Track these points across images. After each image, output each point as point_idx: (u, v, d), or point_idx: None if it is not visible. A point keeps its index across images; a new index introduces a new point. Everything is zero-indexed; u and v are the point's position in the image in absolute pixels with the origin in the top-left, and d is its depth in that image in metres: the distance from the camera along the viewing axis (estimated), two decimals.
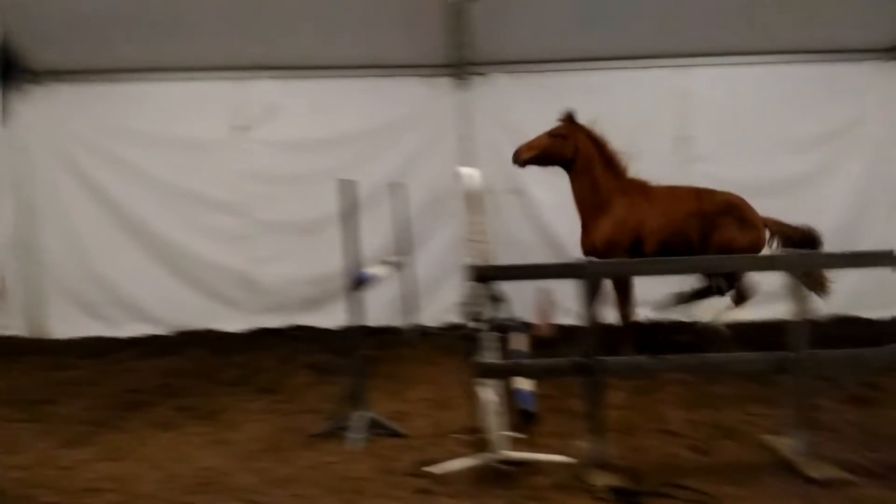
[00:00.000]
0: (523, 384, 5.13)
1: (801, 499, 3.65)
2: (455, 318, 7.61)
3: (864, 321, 7.72)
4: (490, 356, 4.32)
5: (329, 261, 6.38)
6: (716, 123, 7.90)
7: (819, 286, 6.20)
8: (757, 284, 6.51)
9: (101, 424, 5.09)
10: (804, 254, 5.20)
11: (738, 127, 7.92)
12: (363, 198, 5.02)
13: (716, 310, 6.45)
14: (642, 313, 6.81)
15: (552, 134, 6.51)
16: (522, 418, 4.80)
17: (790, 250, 6.29)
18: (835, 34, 7.74)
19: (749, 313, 6.66)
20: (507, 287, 6.51)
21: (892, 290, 7.35)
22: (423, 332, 7.56)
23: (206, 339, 7.73)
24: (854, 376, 5.51)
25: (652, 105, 7.95)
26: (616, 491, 3.72)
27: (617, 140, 6.59)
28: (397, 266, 6.73)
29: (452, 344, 6.79)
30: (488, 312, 4.39)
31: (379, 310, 6.85)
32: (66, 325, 7.97)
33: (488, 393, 4.37)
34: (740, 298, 6.44)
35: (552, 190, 7.14)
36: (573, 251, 6.72)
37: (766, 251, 6.40)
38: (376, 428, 4.71)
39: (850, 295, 7.42)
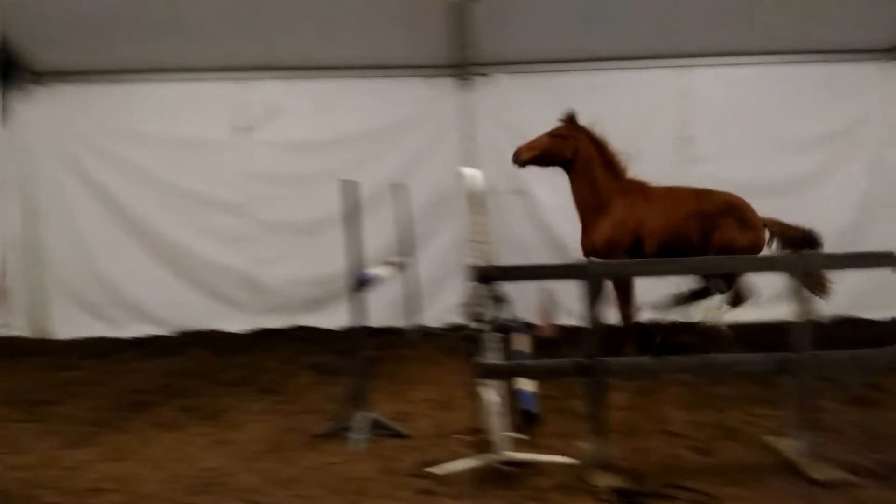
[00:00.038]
0: (525, 385, 5.13)
1: (804, 500, 3.65)
2: (457, 318, 7.59)
3: (866, 322, 7.70)
4: (492, 357, 4.32)
5: (331, 261, 6.41)
6: (717, 124, 7.89)
7: (819, 287, 6.19)
8: (755, 286, 6.49)
9: (104, 425, 5.10)
10: (804, 255, 5.20)
11: (739, 127, 7.92)
12: (365, 198, 5.03)
13: (711, 310, 6.42)
14: (644, 314, 6.80)
15: (552, 134, 6.51)
16: (524, 419, 4.80)
17: (790, 251, 6.32)
18: (836, 34, 7.72)
19: (750, 314, 6.66)
20: (509, 288, 6.48)
21: (894, 290, 7.33)
22: (426, 333, 7.56)
23: (208, 340, 7.73)
24: (857, 377, 5.51)
25: (653, 105, 7.95)
26: (618, 492, 3.72)
27: (618, 140, 6.59)
28: (399, 267, 6.72)
29: (455, 345, 6.78)
30: (490, 313, 4.39)
31: (381, 310, 6.88)
32: (70, 325, 7.99)
33: (490, 394, 4.38)
34: (737, 300, 6.42)
35: (554, 191, 7.13)
36: (575, 252, 6.73)
37: (765, 252, 6.39)
38: (379, 428, 4.71)
39: (852, 296, 7.41)
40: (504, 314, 5.90)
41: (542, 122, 6.60)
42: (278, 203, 8.07)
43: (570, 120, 6.51)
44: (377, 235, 6.35)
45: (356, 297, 4.74)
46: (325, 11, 7.34)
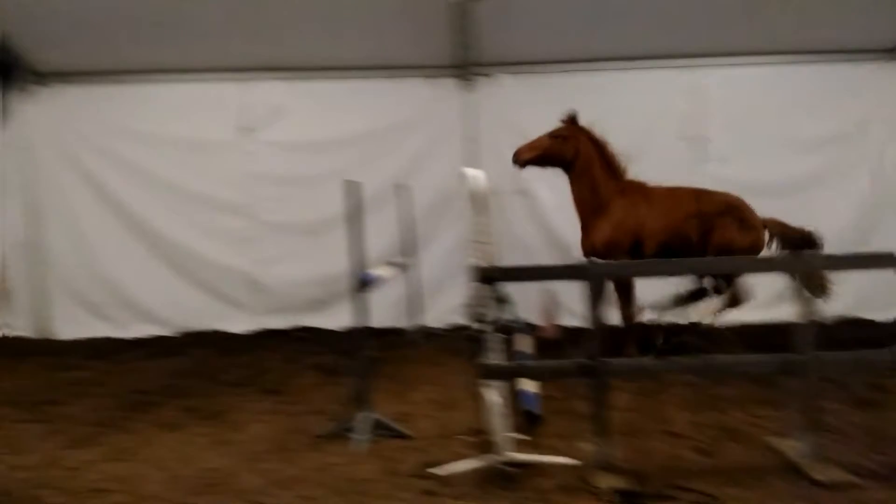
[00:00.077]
0: (528, 386, 5.12)
1: (806, 501, 3.64)
2: (460, 319, 7.61)
3: (868, 323, 7.69)
4: (494, 357, 4.31)
5: (334, 262, 6.42)
6: (723, 124, 7.90)
7: (820, 288, 6.17)
8: (751, 288, 6.46)
9: (107, 425, 5.10)
10: (804, 255, 5.18)
11: (746, 127, 7.91)
12: (368, 199, 5.03)
13: (706, 311, 6.40)
14: (645, 314, 6.79)
15: (553, 135, 6.50)
16: (527, 420, 4.80)
17: (790, 251, 6.30)
18: (839, 34, 7.71)
19: (752, 315, 6.64)
20: (511, 288, 6.50)
21: None
22: (428, 334, 7.56)
23: (211, 340, 7.75)
24: (860, 378, 5.50)
25: (658, 106, 7.93)
26: (620, 493, 3.72)
27: (622, 140, 6.58)
28: (402, 267, 6.73)
29: (457, 345, 6.79)
30: (493, 314, 4.39)
31: (384, 311, 6.88)
32: (72, 325, 8.01)
33: (493, 394, 4.37)
34: (734, 301, 6.40)
35: (557, 191, 7.13)
36: (578, 253, 6.72)
37: (765, 252, 6.38)
38: (381, 429, 4.71)
39: (854, 296, 7.41)
40: (506, 315, 5.89)
41: (545, 122, 6.59)
42: (281, 203, 8.08)
43: (571, 121, 6.50)
44: (380, 236, 6.36)
45: (359, 298, 4.74)
46: (328, 12, 7.34)
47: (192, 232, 8.11)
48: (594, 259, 5.76)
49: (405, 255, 7.07)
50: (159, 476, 4.17)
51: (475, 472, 4.05)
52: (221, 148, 8.08)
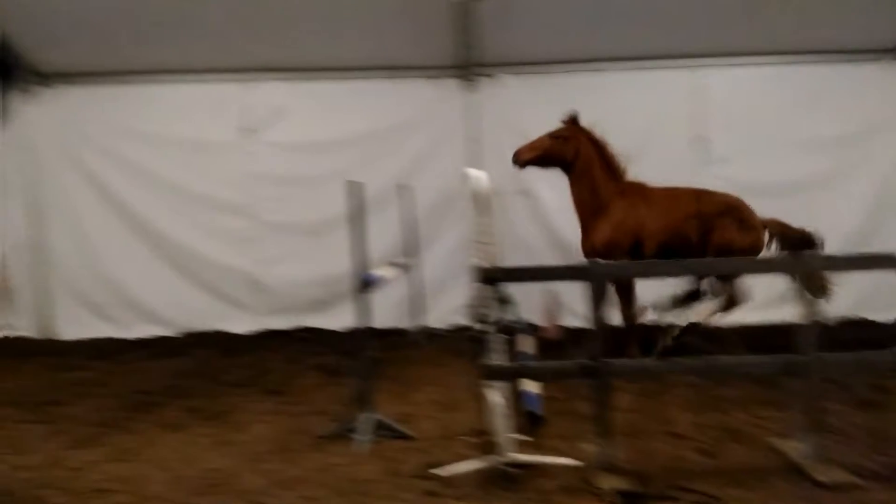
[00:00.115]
0: (530, 386, 5.12)
1: (809, 502, 3.64)
2: (462, 319, 7.62)
3: (870, 324, 7.68)
4: (497, 358, 4.31)
5: (336, 262, 6.42)
6: (724, 124, 7.88)
7: (820, 289, 6.15)
8: (749, 290, 6.45)
9: (110, 425, 5.11)
10: (804, 256, 5.18)
11: (747, 128, 7.89)
12: (370, 199, 5.02)
13: (703, 312, 6.39)
14: (646, 315, 6.79)
15: (553, 136, 6.50)
16: (529, 421, 4.80)
17: (790, 252, 6.29)
18: (848, 34, 7.70)
19: (753, 316, 6.63)
20: (513, 289, 6.52)
21: None
22: (430, 334, 7.57)
23: (213, 341, 7.75)
24: (862, 379, 5.49)
25: (660, 106, 7.92)
26: (623, 494, 3.72)
27: (625, 141, 6.57)
28: (404, 268, 6.74)
29: (459, 346, 6.79)
30: (495, 314, 4.39)
31: (386, 311, 6.88)
32: (75, 326, 8.02)
33: (495, 395, 4.37)
34: (731, 302, 6.38)
35: (559, 192, 7.11)
36: (579, 253, 6.71)
37: (765, 252, 6.37)
38: (383, 430, 4.71)
39: (856, 297, 7.40)
40: (508, 315, 5.92)
41: (547, 123, 6.58)
42: (283, 204, 8.08)
43: (572, 121, 6.50)
44: (382, 236, 6.39)
45: (361, 298, 4.74)
46: (330, 12, 7.34)
47: (195, 232, 8.11)
48: (596, 259, 5.76)
49: (407, 256, 7.07)
50: (162, 476, 4.18)
51: (477, 473, 4.05)
52: (223, 148, 8.08)
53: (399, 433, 4.73)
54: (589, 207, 6.51)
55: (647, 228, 6.37)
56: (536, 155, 6.45)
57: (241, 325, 8.06)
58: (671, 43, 7.76)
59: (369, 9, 7.32)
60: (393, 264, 6.10)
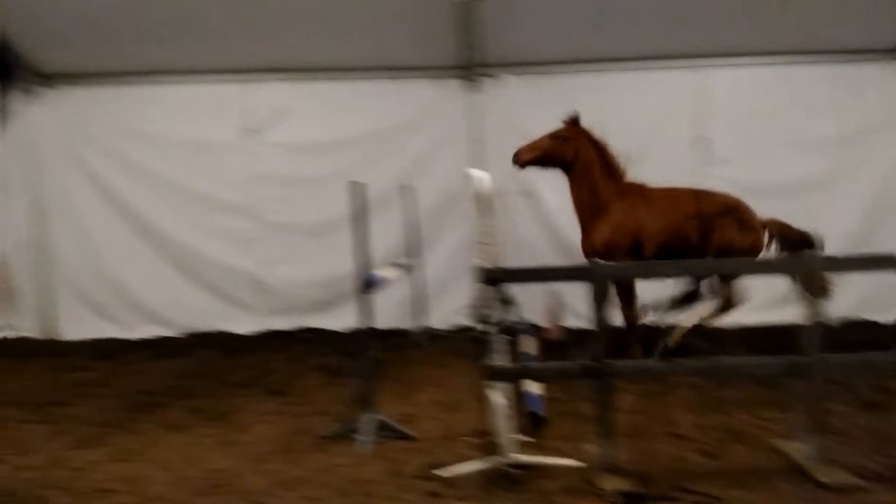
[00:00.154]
0: (532, 387, 5.12)
1: None
2: (464, 320, 7.62)
3: (872, 325, 7.66)
4: (499, 359, 4.32)
5: (339, 263, 6.41)
6: (725, 125, 7.86)
7: (820, 290, 6.13)
8: (747, 291, 6.43)
9: (112, 426, 5.12)
10: (804, 257, 5.17)
11: (749, 128, 7.88)
12: (373, 200, 5.01)
13: (702, 313, 6.38)
14: (650, 316, 6.78)
15: (553, 136, 6.48)
16: (531, 421, 4.80)
17: (790, 252, 6.28)
18: (848, 34, 7.68)
19: (754, 317, 6.61)
20: (516, 290, 6.52)
21: None
22: (432, 335, 7.56)
23: (216, 341, 7.76)
24: (865, 380, 5.48)
25: (662, 106, 7.90)
26: (625, 495, 3.72)
27: (626, 141, 6.56)
28: (407, 268, 6.74)
29: (462, 346, 6.79)
30: (497, 315, 4.39)
31: (388, 312, 6.88)
32: (78, 326, 8.02)
33: (497, 396, 4.37)
34: (728, 303, 6.37)
35: (561, 193, 7.11)
36: (580, 254, 6.71)
37: (765, 253, 6.36)
38: (385, 430, 4.71)
39: (857, 298, 7.39)
40: (511, 316, 5.92)
41: (550, 123, 6.56)
42: (286, 204, 8.08)
43: (573, 122, 6.49)
44: (384, 237, 6.38)
45: (363, 299, 4.74)
46: (332, 13, 7.33)
47: (197, 233, 8.11)
48: (598, 260, 5.76)
49: (410, 257, 7.07)
50: (165, 477, 4.19)
51: (479, 474, 4.05)
52: (225, 149, 8.07)
53: (401, 434, 4.73)
54: (589, 208, 6.51)
55: (647, 229, 6.36)
56: (536, 155, 6.45)
57: (244, 325, 8.07)
58: (673, 43, 7.75)
59: (371, 9, 7.32)
60: (395, 265, 6.10)
